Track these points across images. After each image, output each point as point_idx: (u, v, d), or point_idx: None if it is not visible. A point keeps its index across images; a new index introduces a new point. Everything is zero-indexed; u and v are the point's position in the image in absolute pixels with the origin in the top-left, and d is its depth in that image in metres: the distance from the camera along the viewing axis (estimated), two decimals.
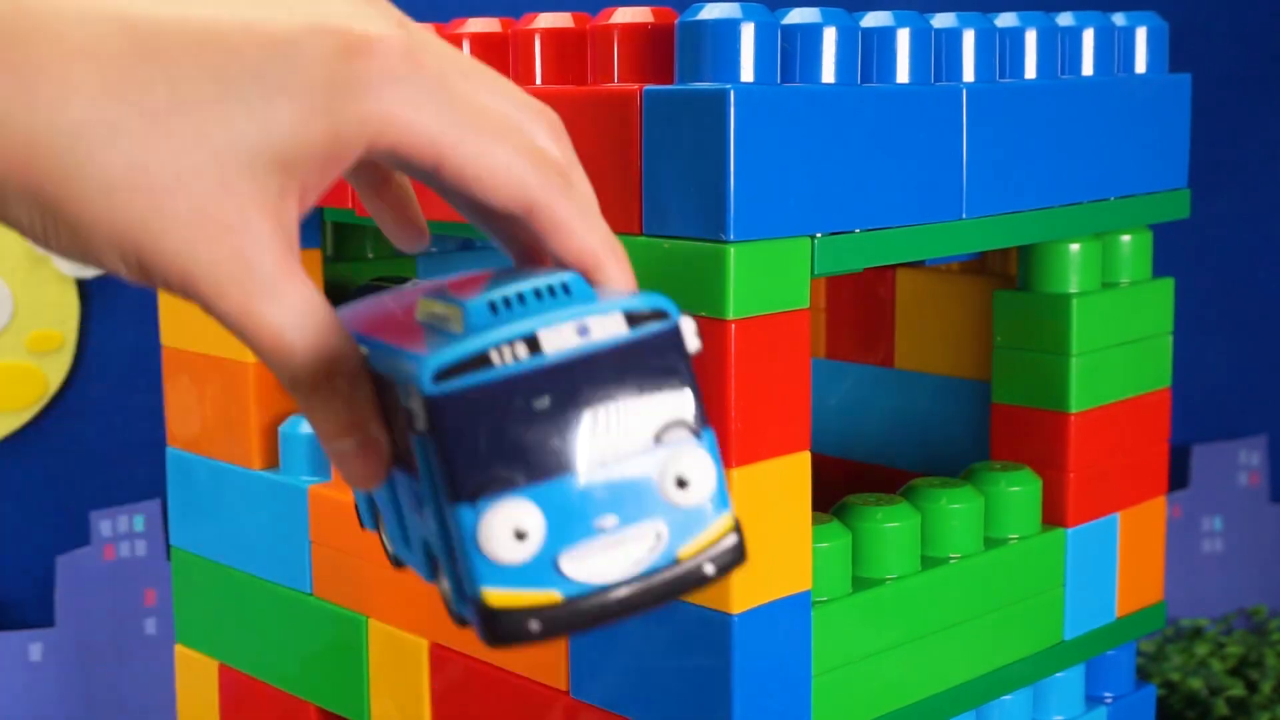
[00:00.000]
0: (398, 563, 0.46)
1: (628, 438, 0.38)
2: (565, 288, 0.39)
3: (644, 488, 0.38)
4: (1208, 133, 1.05)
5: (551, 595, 0.37)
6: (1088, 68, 0.68)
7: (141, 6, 0.37)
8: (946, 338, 0.78)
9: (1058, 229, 0.67)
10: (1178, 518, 1.28)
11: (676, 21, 0.56)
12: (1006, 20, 0.65)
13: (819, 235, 0.57)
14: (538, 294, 0.39)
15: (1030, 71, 0.66)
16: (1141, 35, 0.71)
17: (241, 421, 0.73)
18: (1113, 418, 0.70)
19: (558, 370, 0.38)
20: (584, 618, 0.37)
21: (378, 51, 0.38)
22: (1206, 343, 1.31)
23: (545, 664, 0.62)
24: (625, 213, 0.56)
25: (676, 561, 0.38)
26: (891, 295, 0.81)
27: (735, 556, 0.39)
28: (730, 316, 0.54)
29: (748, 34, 0.55)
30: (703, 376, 0.55)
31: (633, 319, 0.38)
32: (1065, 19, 0.68)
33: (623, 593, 0.37)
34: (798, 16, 0.57)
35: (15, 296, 1.04)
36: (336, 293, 0.78)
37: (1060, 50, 0.67)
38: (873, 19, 0.60)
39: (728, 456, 0.54)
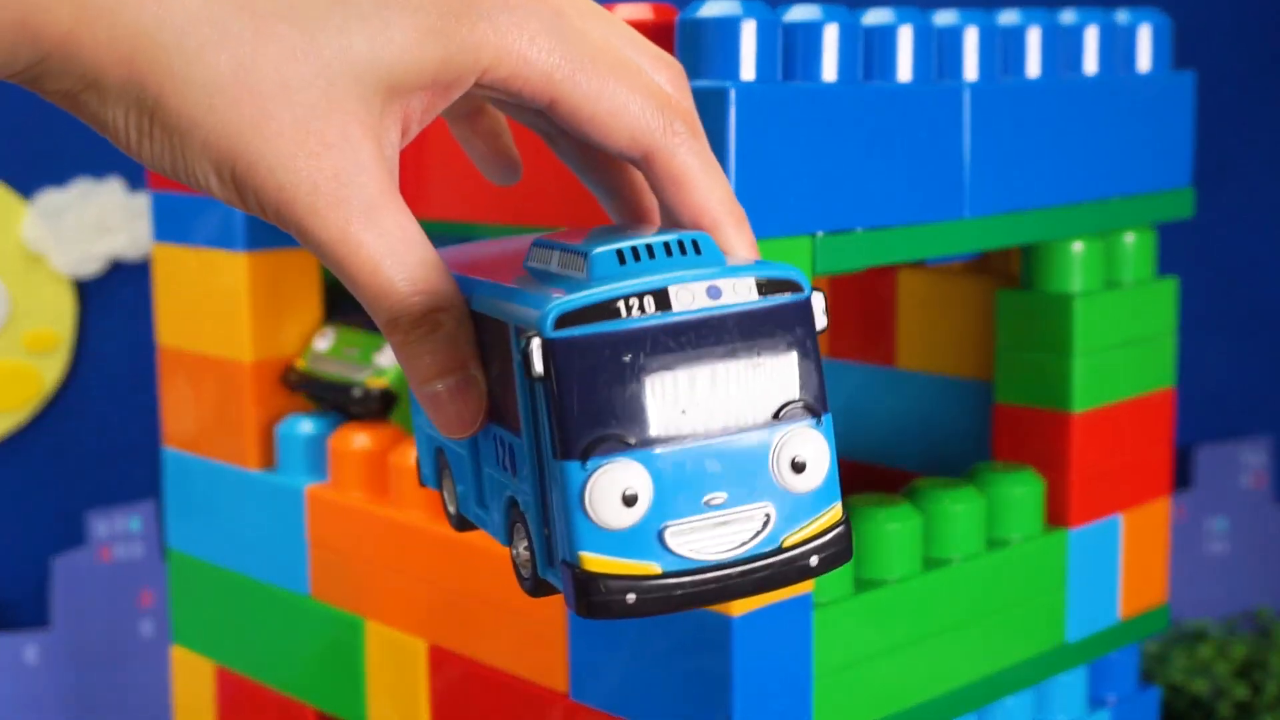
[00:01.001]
0: (461, 523, 0.44)
1: (747, 411, 0.36)
2: (696, 245, 0.37)
3: (758, 466, 0.36)
4: (1211, 131, 1.05)
5: (651, 567, 0.35)
6: (1090, 66, 0.68)
7: None
8: (949, 337, 0.78)
9: (1060, 228, 0.67)
10: (1181, 519, 1.28)
11: (677, 19, 0.56)
12: (1009, 18, 0.65)
13: (820, 234, 0.57)
14: (668, 249, 0.37)
15: (1033, 69, 0.66)
16: (1145, 33, 0.71)
17: (238, 421, 0.73)
18: (1116, 418, 0.70)
19: (686, 329, 0.35)
20: (681, 596, 0.36)
21: None
22: (1210, 342, 1.31)
23: (545, 665, 0.62)
24: None
25: (780, 549, 0.36)
26: (893, 295, 0.81)
27: (841, 550, 0.37)
28: None
29: (748, 31, 0.55)
30: None
31: (764, 287, 0.36)
32: (1068, 16, 0.68)
33: (723, 574, 0.36)
34: (799, 14, 0.57)
35: (12, 296, 1.03)
36: (335, 290, 0.77)
37: (1063, 48, 0.67)
38: (874, 16, 0.59)
39: None
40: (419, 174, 0.63)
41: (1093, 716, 0.72)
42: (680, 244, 0.37)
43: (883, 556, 0.62)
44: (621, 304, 0.35)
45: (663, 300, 0.35)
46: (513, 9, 0.37)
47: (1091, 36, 0.68)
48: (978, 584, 0.65)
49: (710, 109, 0.53)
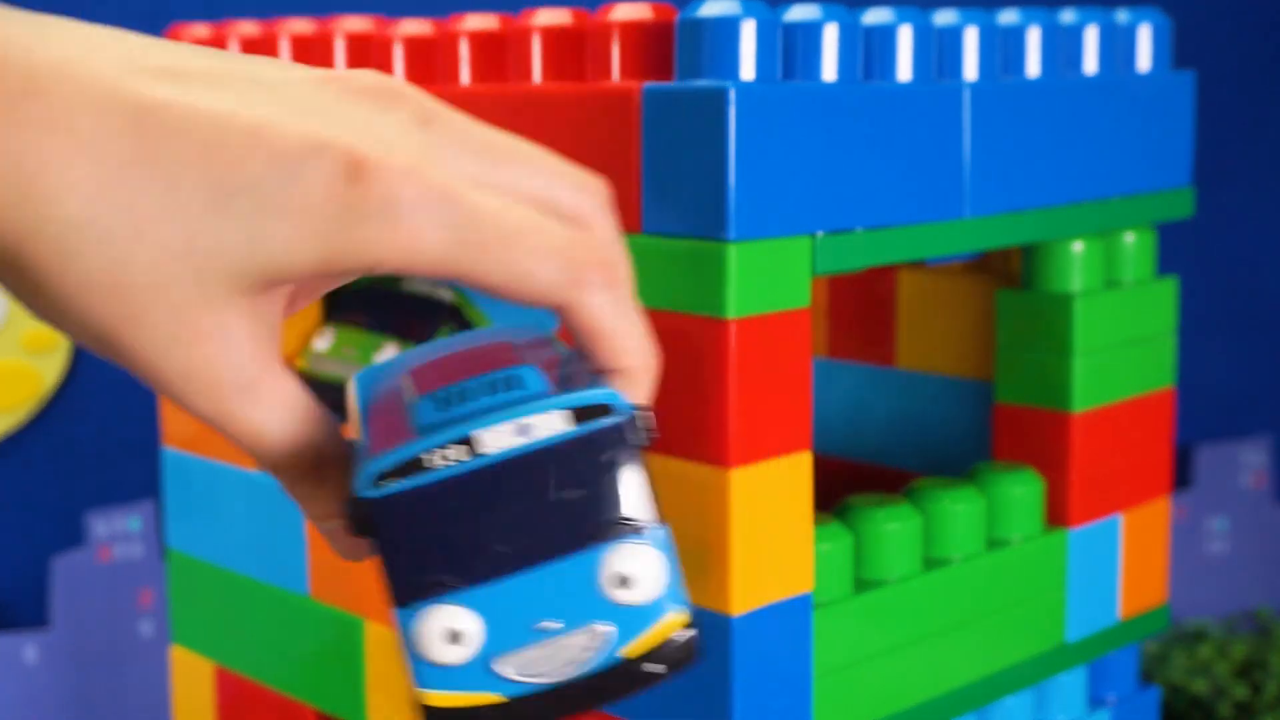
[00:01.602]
0: None
1: (569, 537, 0.37)
2: (512, 381, 0.39)
3: (586, 588, 0.38)
4: (1211, 131, 1.05)
5: (493, 697, 0.37)
6: (1090, 65, 0.68)
7: (155, 95, 0.37)
8: (949, 337, 0.78)
9: (1060, 228, 0.66)
10: (1181, 518, 1.28)
11: (676, 18, 0.56)
12: (1008, 18, 0.65)
13: (820, 234, 0.56)
14: (490, 387, 0.39)
15: (1032, 69, 0.66)
16: (1144, 32, 0.71)
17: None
18: (1116, 418, 0.70)
19: (496, 471, 0.37)
20: (529, 717, 0.37)
21: (379, 177, 0.36)
22: (1210, 342, 1.31)
23: None
24: (625, 211, 0.56)
25: (621, 661, 0.38)
26: (893, 294, 0.81)
27: (684, 655, 0.38)
28: (731, 316, 0.54)
29: (748, 31, 0.55)
30: (703, 377, 0.54)
31: (578, 415, 0.38)
32: (1068, 16, 0.68)
33: (567, 693, 0.37)
34: (798, 14, 0.57)
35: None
36: (339, 291, 0.77)
37: (1063, 48, 0.67)
38: (874, 16, 0.59)
39: (728, 457, 0.54)
40: None
41: (1092, 716, 0.72)
42: (497, 382, 0.39)
43: (883, 556, 0.62)
44: (427, 456, 0.37)
45: (471, 445, 0.37)
46: (399, 206, 0.36)
47: (1091, 36, 0.68)
48: (978, 584, 0.65)
49: (710, 109, 0.53)
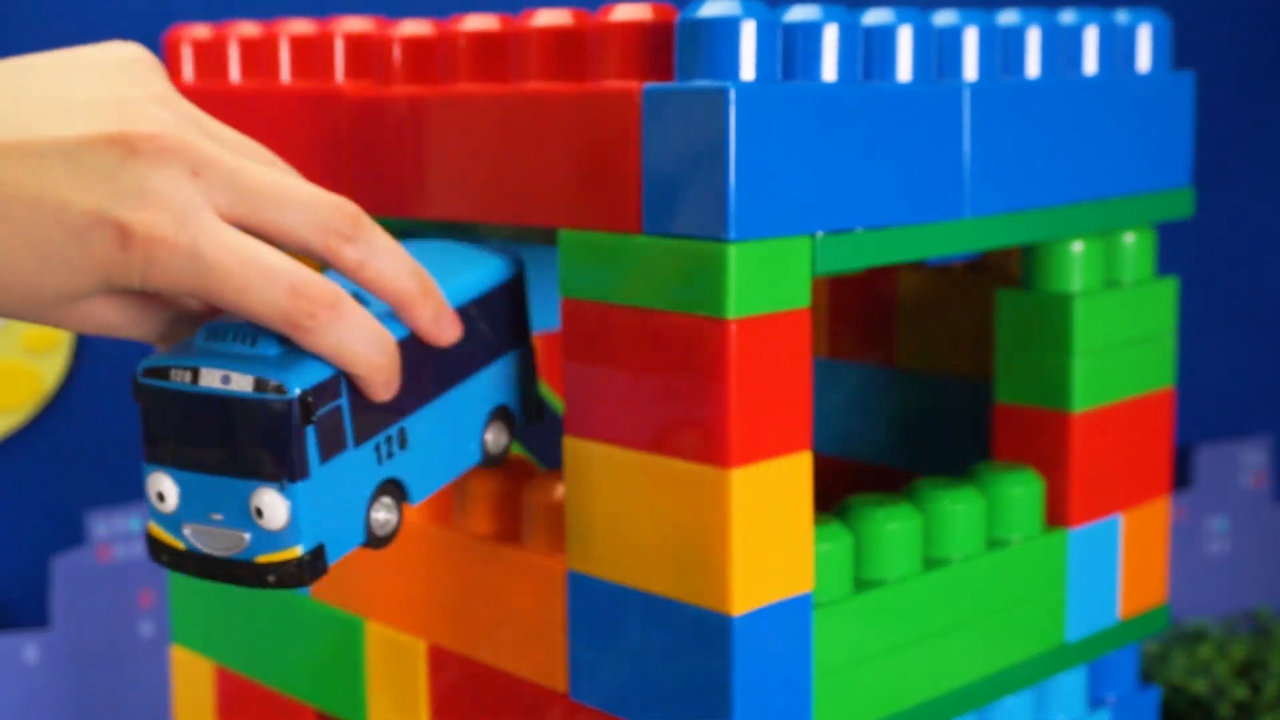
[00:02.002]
0: None
1: (235, 466, 0.51)
2: (254, 338, 0.51)
3: (241, 506, 0.51)
4: (1211, 131, 1.05)
5: (177, 543, 0.53)
6: (1090, 66, 0.68)
7: None
8: (949, 337, 0.78)
9: (1060, 228, 0.67)
10: (1181, 518, 1.28)
11: (676, 19, 0.56)
12: (1008, 18, 0.65)
13: (820, 234, 0.57)
14: (237, 335, 0.52)
15: (1032, 70, 0.66)
16: (1144, 33, 0.71)
17: None
18: (1116, 418, 0.70)
19: (202, 399, 0.51)
20: (190, 567, 0.52)
21: (142, 245, 0.49)
22: (1210, 342, 1.31)
23: (544, 665, 0.62)
24: (624, 212, 0.56)
25: (253, 562, 0.52)
26: (893, 294, 0.81)
27: (289, 576, 0.51)
28: (730, 316, 0.54)
29: (748, 31, 0.55)
30: (703, 377, 0.54)
31: (260, 385, 0.50)
32: (1067, 17, 0.68)
33: (216, 563, 0.52)
34: (798, 14, 0.57)
35: None
36: None
37: (1062, 48, 0.67)
38: (874, 16, 0.60)
39: (728, 457, 0.54)
40: (419, 173, 0.63)
41: (1092, 716, 0.72)
42: (246, 335, 0.51)
43: (883, 556, 0.62)
44: (172, 371, 0.52)
45: (195, 375, 0.51)
46: (155, 264, 0.49)
47: (1091, 37, 0.68)
48: (978, 584, 0.65)
49: (709, 109, 0.53)
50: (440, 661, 0.66)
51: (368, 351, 0.52)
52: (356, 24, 0.68)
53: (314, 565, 0.52)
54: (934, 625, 0.63)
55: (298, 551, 0.51)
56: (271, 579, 0.51)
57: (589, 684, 0.60)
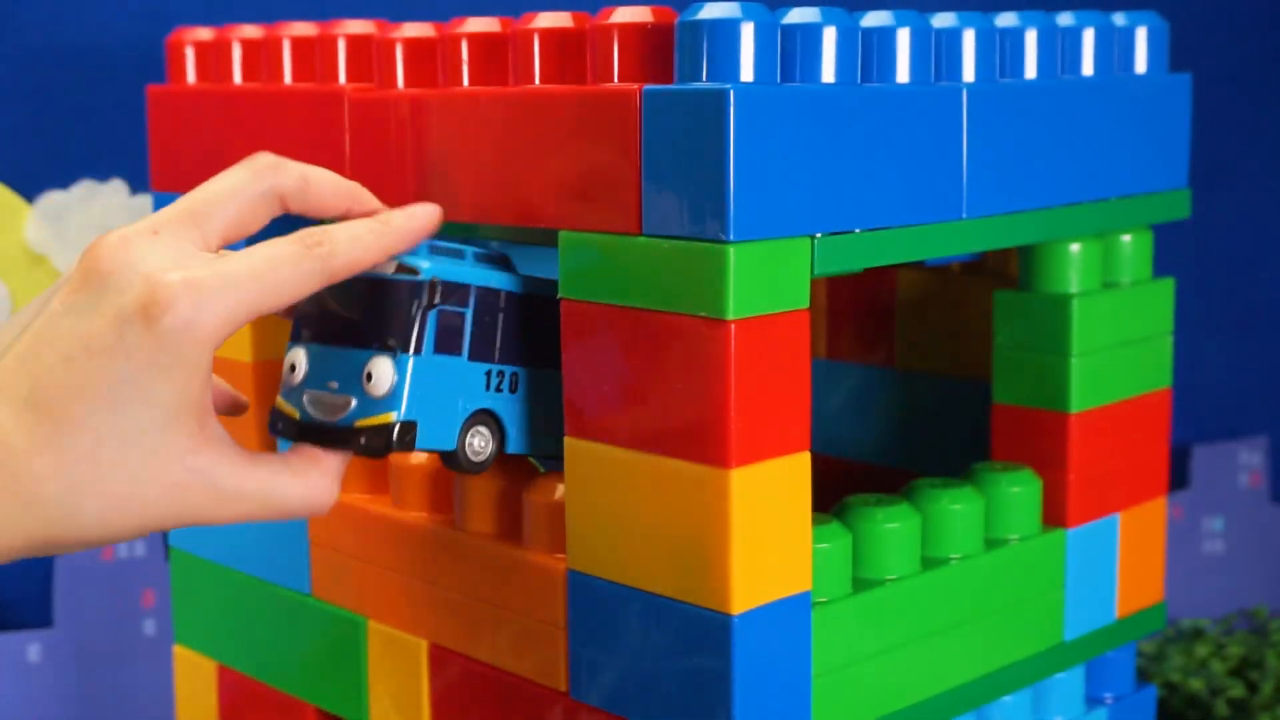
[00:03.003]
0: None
1: (365, 338, 0.56)
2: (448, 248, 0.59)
3: (356, 374, 0.56)
4: (1208, 132, 1.05)
5: (294, 412, 0.57)
6: (1088, 67, 0.68)
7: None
8: (947, 338, 0.78)
9: (1058, 229, 0.67)
10: (1178, 518, 1.28)
11: (676, 21, 0.56)
12: (1006, 20, 0.65)
13: (819, 235, 0.57)
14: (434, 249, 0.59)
15: (1030, 71, 0.66)
16: (1142, 35, 0.71)
17: (240, 421, 0.73)
18: (1113, 418, 0.70)
19: (353, 280, 0.56)
20: (293, 432, 0.56)
21: (166, 308, 0.50)
22: (1207, 343, 1.31)
23: (544, 665, 0.62)
24: (624, 213, 0.56)
25: (352, 426, 0.55)
26: (892, 295, 0.81)
27: (378, 441, 0.55)
28: (730, 317, 0.54)
29: (747, 33, 0.55)
30: (703, 377, 0.55)
31: (400, 268, 0.56)
32: (1065, 19, 0.68)
33: (325, 430, 0.56)
34: (797, 16, 0.57)
35: (14, 296, 1.04)
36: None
37: (1060, 50, 0.67)
38: (873, 19, 0.60)
39: (728, 457, 0.54)
40: (420, 175, 0.63)
41: (1090, 715, 0.72)
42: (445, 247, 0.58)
43: (881, 556, 0.62)
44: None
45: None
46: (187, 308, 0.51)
47: (1089, 39, 0.68)
48: (976, 583, 0.65)
49: (709, 111, 0.53)
50: (441, 661, 0.66)
51: (356, 231, 0.55)
52: (358, 26, 0.68)
53: (403, 438, 0.55)
54: (932, 625, 0.64)
55: (392, 418, 0.55)
56: (363, 440, 0.55)
57: (589, 683, 0.60)
